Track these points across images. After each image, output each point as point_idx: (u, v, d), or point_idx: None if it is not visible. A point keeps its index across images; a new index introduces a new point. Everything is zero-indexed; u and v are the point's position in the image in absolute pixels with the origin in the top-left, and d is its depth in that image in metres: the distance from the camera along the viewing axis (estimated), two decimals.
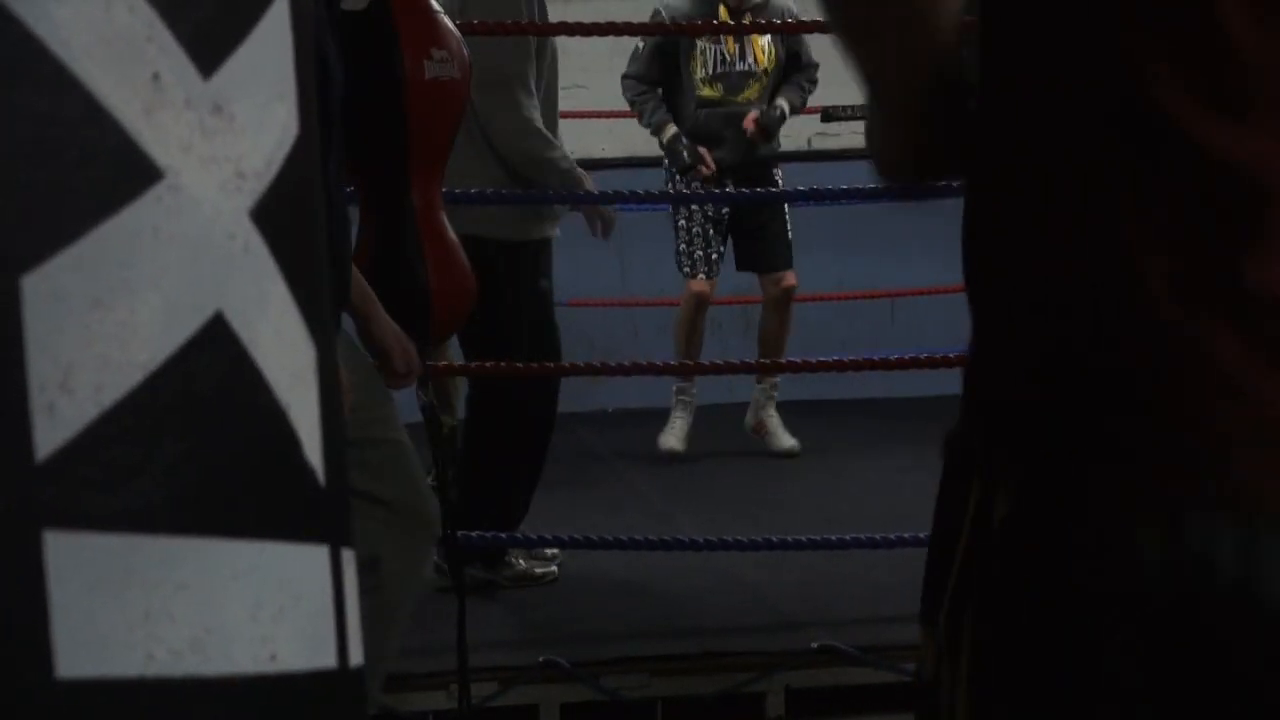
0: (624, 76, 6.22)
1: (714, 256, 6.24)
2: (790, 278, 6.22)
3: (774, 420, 6.41)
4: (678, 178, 6.16)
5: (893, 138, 1.37)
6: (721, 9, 6.02)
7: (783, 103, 6.18)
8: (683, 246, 6.27)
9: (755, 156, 6.12)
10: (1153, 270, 1.14)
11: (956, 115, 1.31)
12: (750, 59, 6.15)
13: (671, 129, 6.10)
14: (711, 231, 6.22)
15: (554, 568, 4.54)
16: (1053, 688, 1.17)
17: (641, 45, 6.15)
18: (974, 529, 1.22)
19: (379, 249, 3.39)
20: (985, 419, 1.24)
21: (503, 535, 4.29)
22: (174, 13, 0.92)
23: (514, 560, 4.51)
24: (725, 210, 6.22)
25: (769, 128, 6.12)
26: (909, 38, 1.28)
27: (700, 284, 6.23)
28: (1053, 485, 1.17)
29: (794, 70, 6.25)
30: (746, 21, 5.93)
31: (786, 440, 6.37)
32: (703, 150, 6.07)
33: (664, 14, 6.00)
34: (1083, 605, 1.15)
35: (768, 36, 6.14)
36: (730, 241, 6.29)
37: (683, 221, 6.25)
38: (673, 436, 6.37)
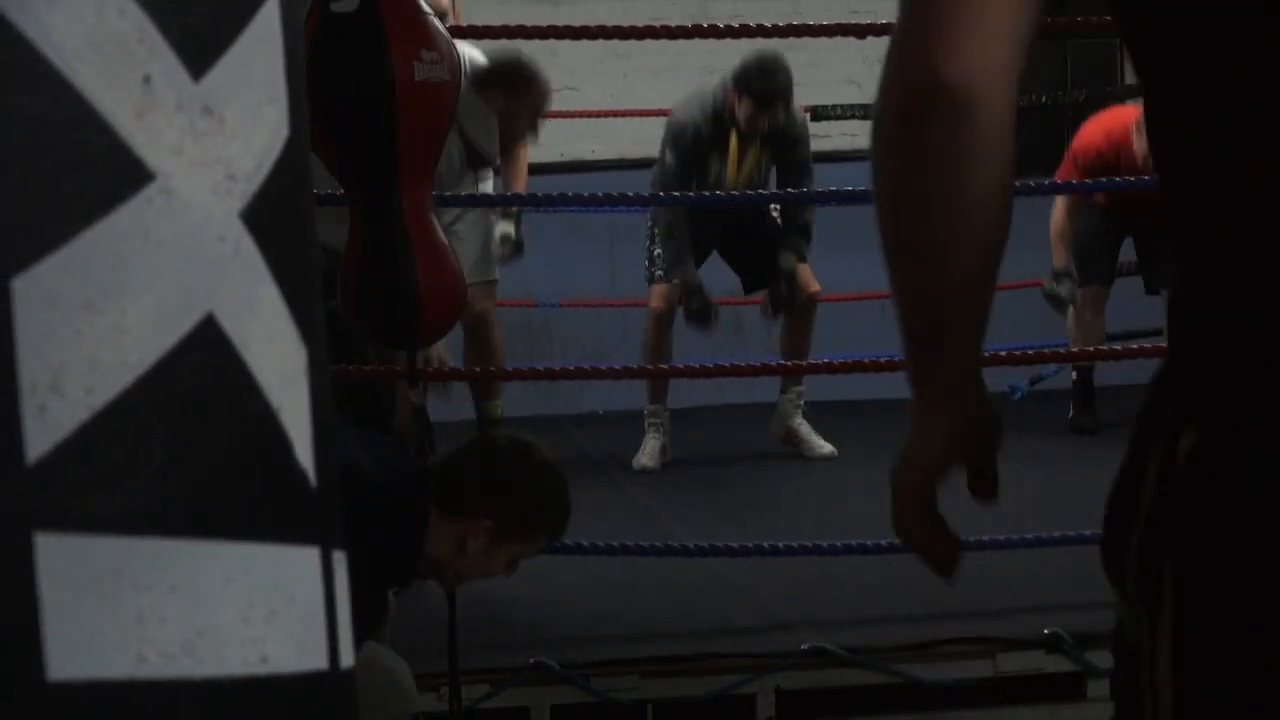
0: (665, 224, 6.11)
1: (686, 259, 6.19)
2: (812, 281, 6.18)
3: (805, 428, 6.38)
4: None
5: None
6: (733, 134, 6.00)
7: (788, 262, 6.10)
8: (655, 251, 6.22)
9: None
10: None
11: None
12: (734, 173, 6.13)
13: (692, 276, 6.06)
14: (697, 245, 6.18)
15: None
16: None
17: (671, 161, 6.03)
18: (1160, 468, 1.19)
19: (368, 251, 3.39)
20: (1177, 377, 1.22)
21: None
22: (164, 15, 0.92)
23: None
24: (714, 234, 6.21)
25: (779, 304, 6.11)
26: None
27: (660, 294, 6.16)
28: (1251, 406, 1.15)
29: (792, 207, 6.18)
30: (758, 144, 5.95)
31: (822, 446, 6.33)
32: (714, 307, 6.05)
33: (688, 130, 5.97)
34: None
35: (768, 152, 6.11)
36: (720, 259, 6.27)
37: (661, 226, 6.19)
38: (647, 456, 6.32)
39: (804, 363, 5.91)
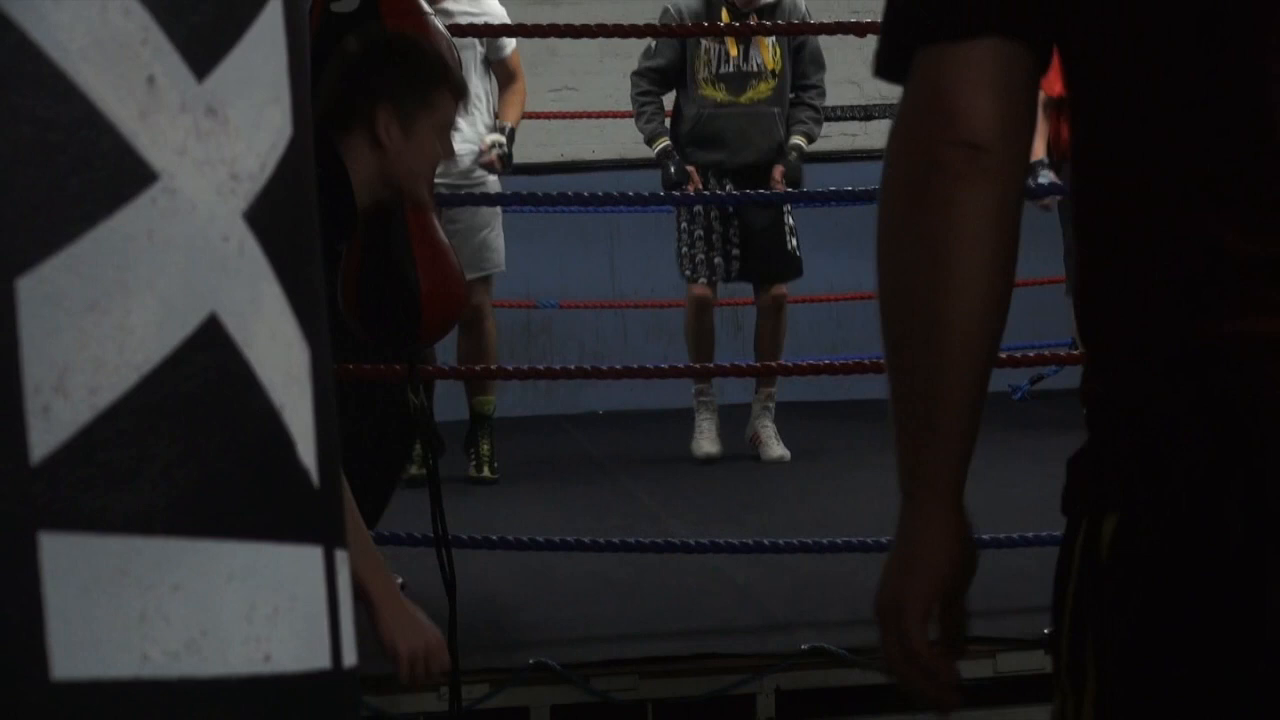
0: (634, 73, 6.19)
1: (716, 260, 6.20)
2: (780, 287, 6.20)
3: (767, 430, 6.38)
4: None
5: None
6: (724, 10, 6.00)
7: (799, 142, 6.15)
8: (684, 250, 6.24)
9: (756, 160, 6.10)
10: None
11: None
12: (756, 60, 6.12)
13: (663, 142, 6.09)
14: (715, 235, 6.18)
15: (398, 579, 4.47)
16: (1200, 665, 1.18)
17: (655, 43, 6.13)
18: (1085, 552, 1.23)
19: (368, 252, 3.39)
20: (1101, 440, 1.25)
21: (493, 537, 4.29)
22: (169, 16, 0.92)
23: None
24: (726, 217, 6.19)
25: (795, 180, 6.11)
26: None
27: (700, 288, 6.20)
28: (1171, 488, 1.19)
29: (800, 88, 6.21)
30: (753, 22, 5.92)
31: (776, 449, 6.34)
32: (690, 169, 6.05)
33: (672, 11, 5.98)
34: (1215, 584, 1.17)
35: (773, 39, 6.11)
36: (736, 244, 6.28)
37: (685, 224, 6.22)
38: (706, 440, 6.32)
39: (801, 363, 5.91)
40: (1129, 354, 1.24)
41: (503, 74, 5.87)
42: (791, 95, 6.21)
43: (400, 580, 4.45)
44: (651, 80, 6.15)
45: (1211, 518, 1.18)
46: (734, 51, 6.08)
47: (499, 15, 5.60)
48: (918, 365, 1.31)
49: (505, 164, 5.78)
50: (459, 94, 3.12)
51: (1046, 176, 6.11)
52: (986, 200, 1.25)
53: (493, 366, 5.70)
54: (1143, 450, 1.21)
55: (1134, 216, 1.24)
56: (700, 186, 6.06)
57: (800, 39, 6.16)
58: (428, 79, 3.03)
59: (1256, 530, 1.16)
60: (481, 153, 5.70)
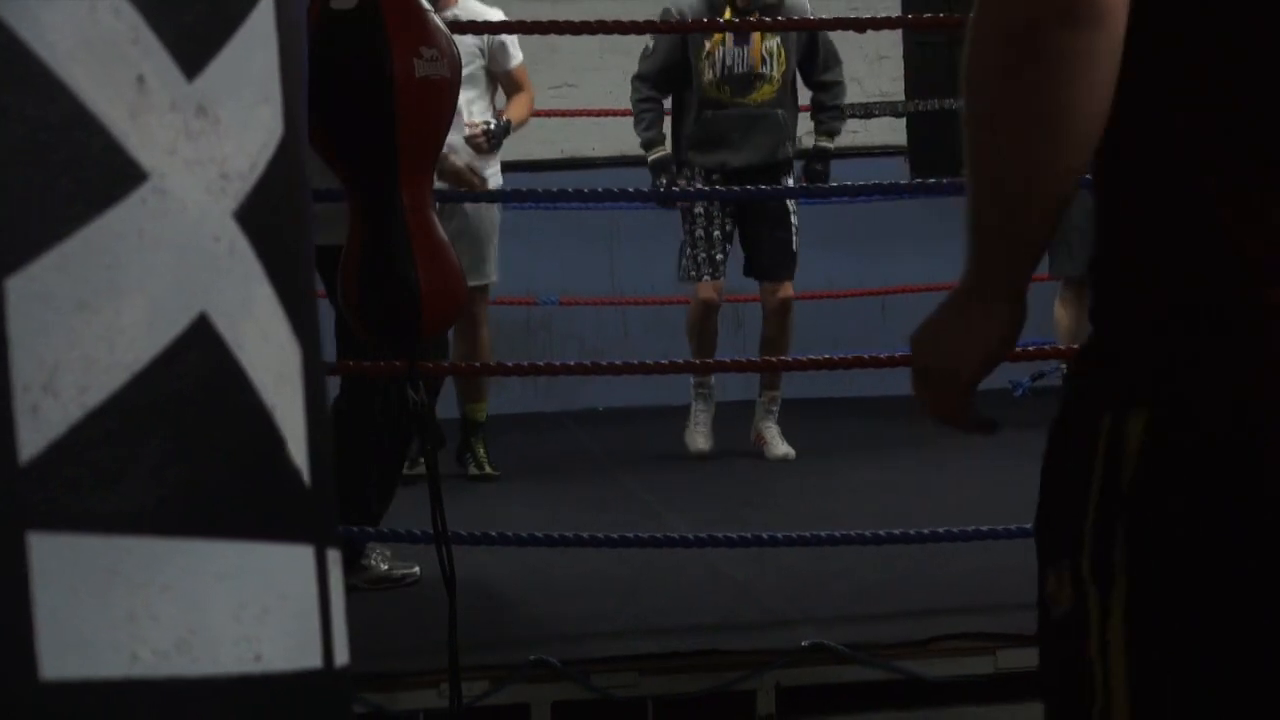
0: (634, 76, 6.18)
1: (719, 258, 6.20)
2: (786, 289, 6.19)
3: (771, 431, 6.38)
4: (682, 179, 6.15)
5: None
6: (727, 9, 5.99)
7: (826, 144, 6.15)
8: (688, 250, 6.23)
9: (760, 161, 6.09)
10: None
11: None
12: (761, 61, 6.11)
13: (659, 152, 6.10)
14: (717, 234, 6.18)
15: (415, 569, 4.45)
16: (1231, 573, 1.22)
17: (651, 44, 6.12)
18: (1109, 453, 1.25)
19: (368, 249, 3.39)
20: (1123, 338, 1.28)
21: (492, 534, 4.29)
22: (158, 15, 0.92)
23: (371, 563, 4.46)
24: (730, 216, 6.19)
25: (818, 179, 6.12)
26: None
27: (706, 289, 6.20)
28: (1203, 392, 1.22)
29: (817, 87, 6.20)
30: (754, 20, 5.91)
31: (780, 448, 6.33)
32: (677, 187, 6.06)
33: (673, 12, 5.98)
34: (1252, 486, 1.22)
35: (777, 39, 6.10)
36: (738, 246, 6.27)
37: (687, 226, 6.22)
38: (700, 436, 6.32)
39: (801, 358, 5.91)
40: (1158, 264, 1.27)
41: (509, 86, 5.87)
42: (810, 97, 6.23)
43: (416, 569, 4.47)
44: (652, 84, 6.14)
45: (1253, 420, 1.22)
46: (737, 52, 6.08)
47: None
48: (1026, 161, 1.33)
49: (491, 142, 5.74)
50: None
51: None
52: (1098, 42, 1.28)
53: (484, 384, 5.73)
54: (1177, 349, 1.25)
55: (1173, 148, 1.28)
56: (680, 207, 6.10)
57: (810, 37, 6.15)
58: None
59: None
60: (470, 129, 5.66)
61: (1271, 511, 1.21)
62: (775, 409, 6.37)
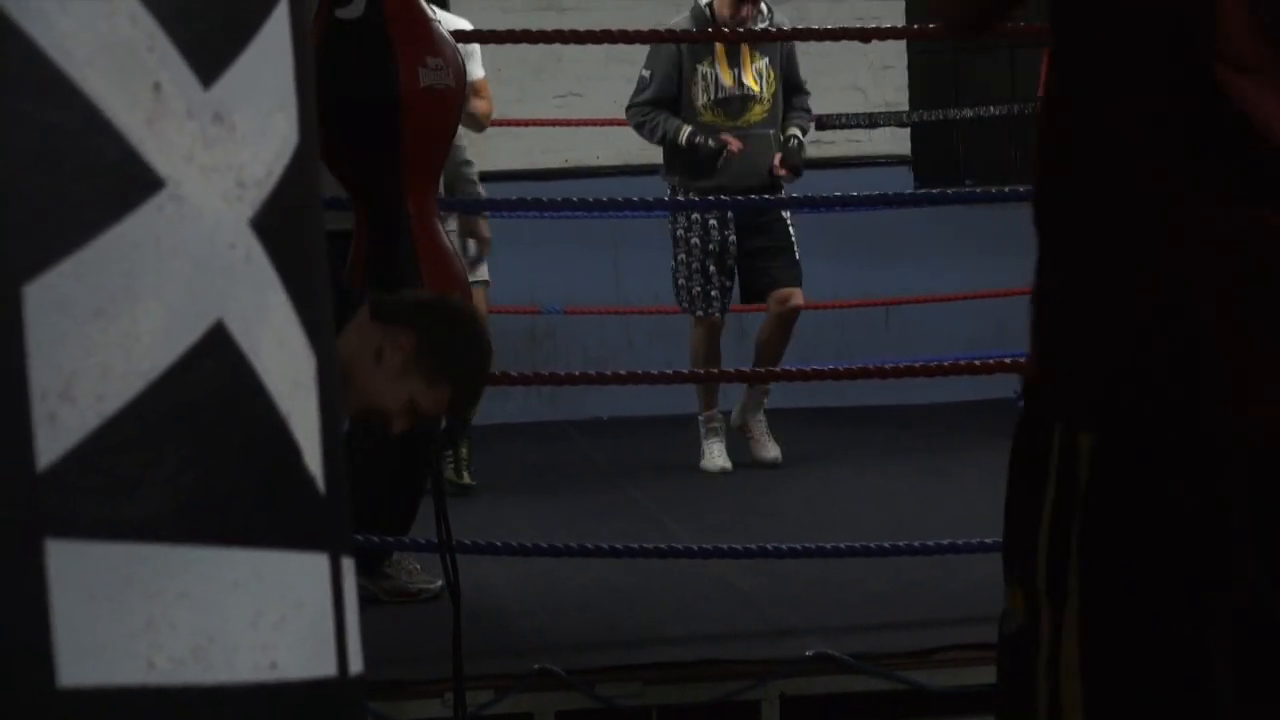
0: (630, 106, 6.18)
1: (713, 294, 6.16)
2: (797, 296, 6.17)
3: (760, 426, 6.35)
4: (680, 197, 6.14)
5: None
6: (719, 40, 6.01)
7: (796, 132, 6.17)
8: (681, 282, 6.22)
9: (759, 185, 6.09)
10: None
11: None
12: (750, 84, 6.12)
13: (686, 129, 6.06)
14: (713, 269, 6.15)
15: (436, 585, 4.40)
16: (1177, 581, 1.24)
17: (647, 75, 6.12)
18: (1060, 470, 1.26)
19: (373, 258, 3.40)
20: (1066, 362, 1.29)
21: (497, 543, 4.29)
22: (175, 22, 0.92)
23: (391, 573, 4.45)
24: (730, 239, 6.17)
25: (796, 164, 6.12)
26: None
27: (704, 322, 6.19)
28: (1150, 415, 1.23)
29: (791, 93, 6.24)
30: (745, 46, 5.94)
31: (770, 450, 6.32)
32: (725, 137, 6.03)
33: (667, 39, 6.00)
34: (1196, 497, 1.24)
35: (765, 60, 6.12)
36: (736, 272, 6.25)
37: (682, 255, 6.19)
38: (719, 458, 6.28)
39: (806, 369, 5.91)
40: (1096, 283, 1.28)
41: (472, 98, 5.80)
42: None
43: (436, 584, 4.43)
44: (650, 106, 6.14)
45: (1202, 437, 1.23)
46: (728, 78, 6.08)
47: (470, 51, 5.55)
48: None
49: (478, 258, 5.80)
50: (462, 406, 3.17)
51: None
52: None
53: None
54: (1125, 366, 1.25)
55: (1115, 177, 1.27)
56: (739, 145, 6.02)
57: (786, 55, 6.17)
58: (454, 363, 3.10)
59: (1232, 468, 1.22)
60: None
61: (1222, 530, 1.22)
62: (765, 401, 6.36)
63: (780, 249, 6.15)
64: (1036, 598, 1.29)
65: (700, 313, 6.17)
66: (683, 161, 6.10)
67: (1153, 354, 1.24)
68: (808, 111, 6.30)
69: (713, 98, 6.10)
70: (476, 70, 5.72)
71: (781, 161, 6.08)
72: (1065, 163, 1.31)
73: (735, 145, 6.00)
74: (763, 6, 6.10)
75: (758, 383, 6.29)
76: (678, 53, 6.02)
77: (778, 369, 5.95)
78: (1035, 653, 1.29)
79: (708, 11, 6.03)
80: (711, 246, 6.12)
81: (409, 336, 2.93)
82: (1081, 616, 1.27)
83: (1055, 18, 1.31)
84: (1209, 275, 1.22)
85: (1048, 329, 1.32)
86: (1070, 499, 1.27)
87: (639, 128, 6.15)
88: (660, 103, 6.10)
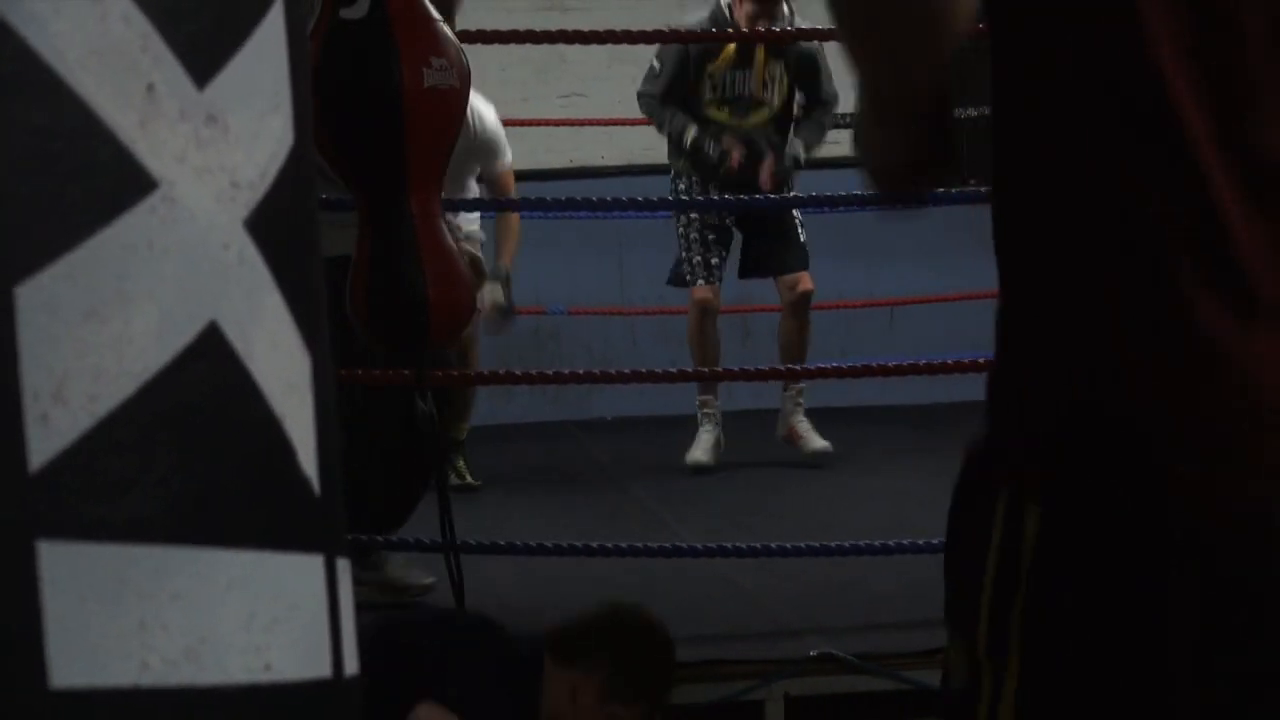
0: (640, 94, 6.17)
1: (714, 261, 6.18)
2: (806, 280, 6.15)
3: (803, 425, 6.36)
4: (682, 184, 6.14)
5: (889, 142, 1.39)
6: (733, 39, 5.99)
7: (798, 146, 6.13)
8: (683, 254, 6.23)
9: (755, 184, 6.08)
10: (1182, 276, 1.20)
11: (948, 123, 1.33)
12: (761, 87, 6.11)
13: (693, 130, 6.05)
14: (712, 238, 6.16)
15: (428, 580, 4.40)
16: (1117, 647, 1.24)
17: (658, 65, 6.11)
18: (1005, 538, 1.26)
19: (377, 259, 3.40)
20: (1014, 434, 1.28)
21: (501, 543, 4.29)
22: (168, 24, 0.92)
23: (382, 567, 4.43)
24: (729, 218, 6.18)
25: (783, 179, 6.11)
26: (918, 36, 1.29)
27: (702, 291, 6.18)
28: (1098, 482, 1.22)
29: (811, 105, 6.21)
30: (760, 47, 5.92)
31: (817, 442, 6.30)
32: (728, 142, 6.02)
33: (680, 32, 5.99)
34: (1138, 568, 1.23)
35: (780, 64, 6.10)
36: (739, 248, 6.23)
37: (682, 229, 6.21)
38: (700, 450, 6.27)
39: (810, 367, 5.90)
40: (1048, 354, 1.27)
41: (494, 189, 5.63)
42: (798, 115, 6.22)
43: (430, 580, 4.45)
44: (659, 100, 6.13)
45: (1147, 520, 1.23)
46: (736, 78, 6.08)
47: (493, 127, 5.47)
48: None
49: (505, 318, 5.72)
50: (652, 710, 3.28)
51: None
52: None
53: (470, 404, 5.70)
54: (1072, 442, 1.25)
55: (1065, 239, 1.26)
56: (742, 156, 6.01)
57: (807, 64, 6.14)
58: (648, 687, 3.20)
59: (1172, 542, 1.22)
60: (481, 311, 5.41)
61: (1164, 612, 1.22)
62: (802, 401, 6.36)
63: (783, 230, 6.14)
64: (977, 661, 1.31)
65: (701, 279, 6.14)
66: (687, 155, 6.10)
67: (1102, 435, 1.24)
68: (822, 127, 6.21)
69: (719, 95, 6.09)
70: (506, 157, 5.61)
71: (769, 172, 6.07)
72: (1018, 249, 1.31)
73: (736, 158, 6.00)
74: (784, 9, 6.07)
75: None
76: (688, 47, 6.01)
77: (781, 368, 5.94)
78: (975, 716, 1.31)
79: (727, 12, 6.02)
80: (712, 219, 6.13)
81: (599, 672, 3.03)
82: (1020, 681, 1.28)
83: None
84: (1156, 373, 1.22)
85: (998, 394, 1.32)
86: (1013, 576, 1.27)
87: (649, 115, 6.16)
88: (670, 93, 6.09)
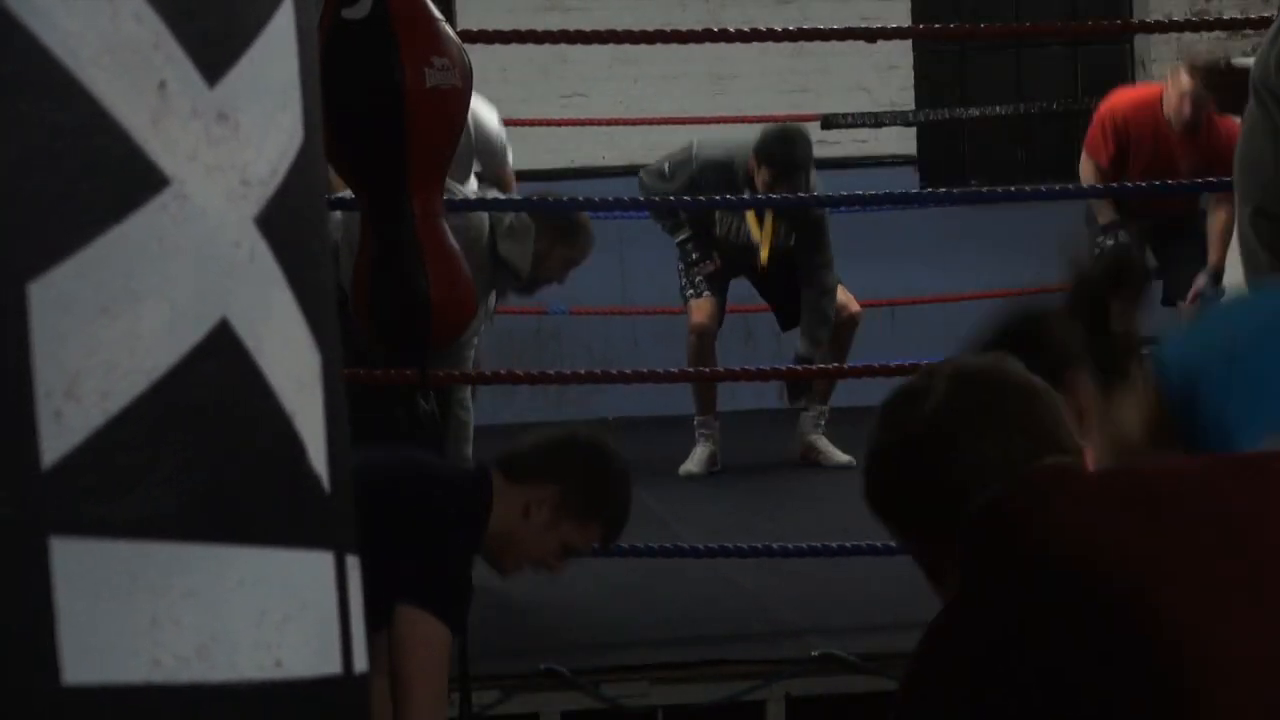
0: (643, 184, 6.16)
1: (711, 270, 6.20)
2: (852, 304, 6.20)
3: (823, 442, 6.35)
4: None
5: None
6: (747, 189, 5.98)
7: (807, 346, 6.11)
8: (680, 266, 6.24)
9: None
10: None
11: None
12: (753, 232, 6.16)
13: (684, 232, 6.11)
14: (715, 253, 6.20)
15: None
16: None
17: (668, 171, 6.09)
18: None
19: (378, 259, 3.40)
20: None
21: None
22: (180, 22, 0.92)
23: None
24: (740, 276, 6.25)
25: (797, 393, 6.19)
26: None
27: (700, 310, 6.17)
28: None
29: (809, 270, 6.19)
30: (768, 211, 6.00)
31: (839, 457, 6.29)
32: (709, 261, 6.09)
33: (694, 165, 6.00)
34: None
35: (783, 224, 6.12)
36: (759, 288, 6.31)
37: (687, 233, 6.21)
38: (693, 463, 6.29)
39: (810, 367, 5.90)
40: None
41: (497, 187, 5.69)
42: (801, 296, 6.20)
43: None
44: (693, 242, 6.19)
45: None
46: (737, 224, 6.12)
47: (491, 130, 5.48)
48: None
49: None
50: (613, 534, 3.22)
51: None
52: None
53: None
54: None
55: None
56: (718, 266, 6.10)
57: (810, 229, 6.14)
58: (601, 505, 3.13)
59: None
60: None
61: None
62: (823, 422, 6.36)
63: (814, 245, 6.15)
64: None
65: (706, 292, 6.15)
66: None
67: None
68: (826, 320, 6.14)
69: (722, 234, 6.15)
70: (507, 160, 5.64)
71: (786, 387, 6.15)
72: None
73: (711, 267, 6.08)
74: (806, 177, 6.03)
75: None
76: (708, 183, 6.00)
77: (782, 368, 5.93)
78: None
79: (743, 178, 6.00)
80: (718, 231, 6.16)
81: (551, 487, 2.99)
82: None
83: None
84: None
85: None
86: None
87: (644, 199, 6.18)
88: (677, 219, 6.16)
